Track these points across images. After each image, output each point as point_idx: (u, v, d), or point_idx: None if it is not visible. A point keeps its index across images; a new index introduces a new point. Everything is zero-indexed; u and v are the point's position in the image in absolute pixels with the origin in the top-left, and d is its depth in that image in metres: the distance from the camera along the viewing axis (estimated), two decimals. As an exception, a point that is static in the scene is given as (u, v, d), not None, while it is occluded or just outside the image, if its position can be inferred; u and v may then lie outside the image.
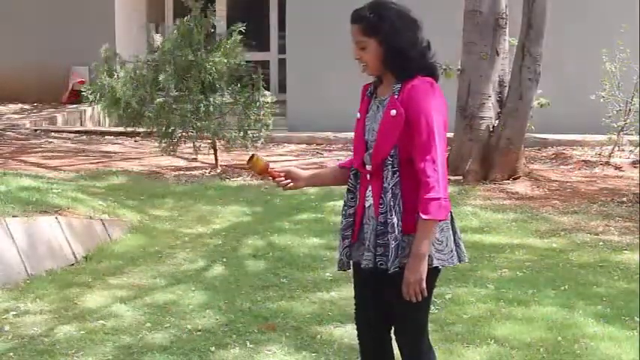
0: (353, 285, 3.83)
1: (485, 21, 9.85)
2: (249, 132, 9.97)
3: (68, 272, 6.55)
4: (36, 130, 13.84)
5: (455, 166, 9.66)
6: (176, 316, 5.61)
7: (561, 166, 11.52)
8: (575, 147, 12.68)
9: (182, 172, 10.25)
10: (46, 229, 6.85)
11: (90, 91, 10.03)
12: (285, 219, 8.11)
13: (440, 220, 3.45)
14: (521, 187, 9.71)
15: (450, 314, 5.69)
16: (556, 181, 10.29)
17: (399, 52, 3.46)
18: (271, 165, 3.82)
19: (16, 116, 15.70)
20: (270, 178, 3.79)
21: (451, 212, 3.59)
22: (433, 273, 3.56)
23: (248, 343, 5.19)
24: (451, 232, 3.59)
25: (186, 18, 9.99)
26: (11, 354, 5.03)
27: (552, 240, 7.68)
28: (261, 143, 10.24)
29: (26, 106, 16.83)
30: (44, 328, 5.40)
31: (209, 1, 10.75)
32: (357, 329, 3.85)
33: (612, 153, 11.58)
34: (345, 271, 3.77)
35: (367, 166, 3.59)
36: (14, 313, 5.66)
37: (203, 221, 8.10)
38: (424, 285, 3.45)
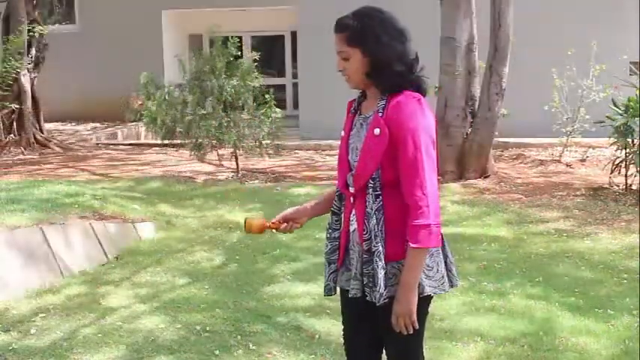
0: (341, 310, 2.70)
1: (458, 46, 8.74)
2: (263, 142, 8.87)
3: (99, 272, 5.46)
4: (98, 144, 12.79)
5: (435, 168, 8.57)
6: (187, 316, 4.50)
7: (521, 165, 10.44)
8: (531, 148, 11.65)
9: (210, 177, 9.16)
10: (81, 231, 5.78)
11: (130, 112, 8.92)
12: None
13: (431, 248, 2.35)
14: (491, 184, 8.61)
15: (437, 309, 4.55)
16: (519, 178, 9.18)
17: (383, 65, 2.35)
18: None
19: (86, 132, 14.68)
20: (274, 230, 2.71)
21: (442, 235, 2.46)
22: (425, 301, 2.46)
23: (251, 345, 4.08)
24: (442, 256, 2.48)
25: (210, 50, 8.87)
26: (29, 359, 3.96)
27: (522, 231, 6.57)
28: (273, 151, 9.12)
29: (96, 124, 15.83)
30: (67, 331, 4.30)
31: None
32: (347, 354, 2.71)
33: (562, 153, 10.67)
34: (331, 296, 2.63)
35: (350, 188, 2.48)
36: (42, 315, 4.56)
37: (223, 221, 6.99)
38: (414, 317, 2.36)
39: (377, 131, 2.35)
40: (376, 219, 2.37)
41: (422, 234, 2.29)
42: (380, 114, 2.36)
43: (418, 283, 2.38)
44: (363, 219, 2.40)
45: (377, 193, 2.38)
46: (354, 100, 2.57)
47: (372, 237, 2.37)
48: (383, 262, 2.36)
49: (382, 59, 2.35)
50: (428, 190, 2.30)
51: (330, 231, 2.58)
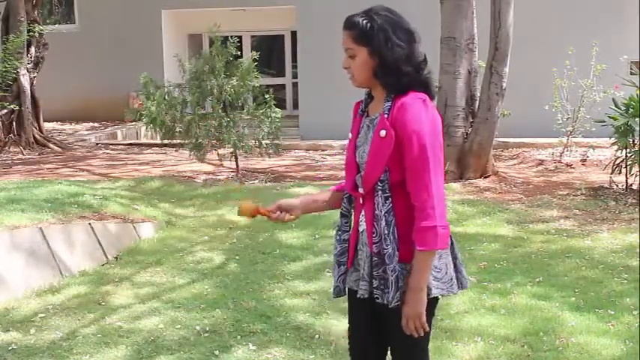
0: (347, 310, 2.66)
1: (458, 46, 8.73)
2: (263, 142, 8.86)
3: (99, 272, 5.45)
4: (97, 144, 12.78)
5: (435, 168, 8.56)
6: (188, 316, 4.50)
7: (521, 164, 10.44)
8: (531, 148, 11.66)
9: (210, 177, 9.14)
10: (81, 231, 5.77)
11: (130, 112, 8.91)
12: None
13: (438, 250, 2.33)
14: (492, 183, 8.60)
15: (437, 309, 4.49)
16: (519, 177, 9.18)
17: (391, 66, 2.31)
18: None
19: (85, 132, 14.67)
20: (266, 217, 2.62)
21: (451, 236, 2.43)
22: (432, 303, 2.43)
23: (250, 345, 4.07)
24: (450, 257, 2.44)
25: (209, 50, 8.85)
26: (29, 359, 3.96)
27: (522, 231, 6.56)
28: (273, 151, 9.10)
29: (96, 124, 15.82)
30: (66, 332, 4.30)
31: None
32: (351, 355, 2.67)
33: (562, 153, 10.65)
34: (339, 297, 2.60)
35: (359, 189, 2.45)
36: (42, 315, 4.56)
37: (223, 221, 6.98)
38: (424, 319, 2.35)
39: (383, 133, 2.32)
40: (386, 221, 2.34)
41: (428, 236, 2.26)
42: (386, 115, 2.33)
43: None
44: (372, 221, 2.37)
45: (386, 195, 2.35)
46: (361, 101, 2.53)
47: (382, 239, 2.34)
48: (394, 264, 2.33)
49: (390, 60, 2.31)
50: (433, 191, 2.27)
51: (340, 233, 2.54)
